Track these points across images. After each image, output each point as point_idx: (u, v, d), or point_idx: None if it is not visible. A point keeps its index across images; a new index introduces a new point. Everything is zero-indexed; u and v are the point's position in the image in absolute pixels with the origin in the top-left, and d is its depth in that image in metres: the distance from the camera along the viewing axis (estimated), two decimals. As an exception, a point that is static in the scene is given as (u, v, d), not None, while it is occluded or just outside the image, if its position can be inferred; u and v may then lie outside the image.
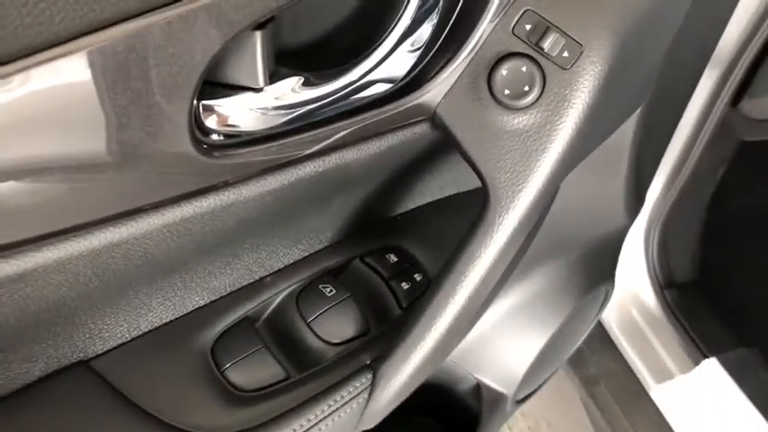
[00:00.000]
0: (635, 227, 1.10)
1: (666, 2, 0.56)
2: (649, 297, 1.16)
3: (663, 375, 1.13)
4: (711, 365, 1.09)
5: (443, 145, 0.63)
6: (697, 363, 1.09)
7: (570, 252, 0.86)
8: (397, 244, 0.68)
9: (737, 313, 1.17)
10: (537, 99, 0.51)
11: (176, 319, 0.58)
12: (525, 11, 0.51)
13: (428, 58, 0.52)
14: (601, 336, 1.19)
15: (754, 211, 1.20)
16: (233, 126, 0.46)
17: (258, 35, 0.43)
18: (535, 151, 0.52)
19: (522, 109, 0.51)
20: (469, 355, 0.85)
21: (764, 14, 0.86)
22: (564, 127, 0.51)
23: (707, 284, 1.20)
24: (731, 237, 1.20)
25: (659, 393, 1.12)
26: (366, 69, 0.49)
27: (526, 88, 0.51)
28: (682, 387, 1.10)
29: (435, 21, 0.51)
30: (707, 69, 0.90)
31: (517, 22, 0.51)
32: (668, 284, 1.16)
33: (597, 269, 0.92)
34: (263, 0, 0.40)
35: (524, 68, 0.51)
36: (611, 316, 1.17)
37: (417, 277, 0.66)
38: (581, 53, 0.50)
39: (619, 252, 0.96)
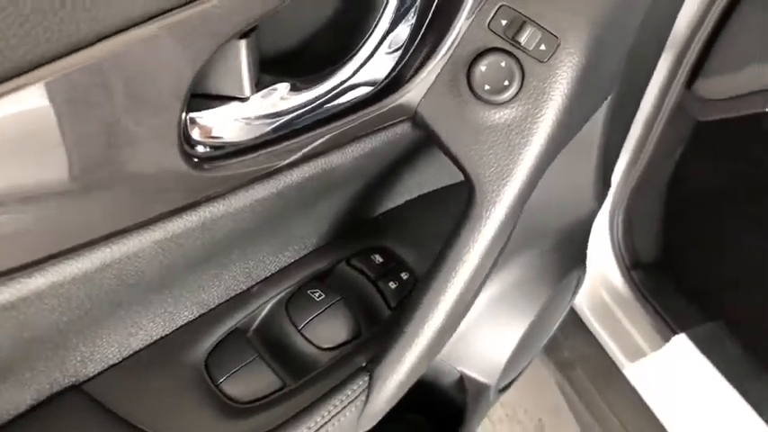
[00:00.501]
0: (600, 210, 1.13)
1: None
2: (617, 279, 1.18)
3: (635, 354, 1.16)
4: (681, 341, 1.11)
5: (422, 143, 0.63)
6: (667, 340, 1.12)
7: (544, 241, 0.87)
8: (381, 244, 0.68)
9: (702, 289, 1.20)
10: (517, 93, 0.51)
11: (167, 335, 0.57)
12: (500, 6, 0.52)
13: (407, 58, 0.52)
14: (573, 319, 1.21)
15: (713, 189, 1.24)
16: (221, 137, 0.45)
17: (243, 44, 0.43)
18: (518, 144, 0.52)
19: (502, 103, 0.52)
20: (452, 349, 0.85)
21: (714, -3, 0.88)
22: (545, 119, 0.52)
23: (672, 263, 1.23)
24: (692, 215, 1.23)
25: (633, 372, 1.15)
26: (349, 72, 0.49)
27: (506, 83, 0.51)
28: (654, 364, 1.13)
29: (413, 21, 0.51)
30: (665, 54, 0.93)
31: (493, 17, 0.52)
32: (635, 265, 1.19)
33: (569, 255, 0.94)
34: (249, 8, 0.40)
35: (503, 63, 0.51)
36: (581, 299, 1.19)
37: (404, 276, 0.66)
38: (558, 45, 0.51)
39: (588, 237, 0.98)
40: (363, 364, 0.58)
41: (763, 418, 1.03)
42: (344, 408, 0.56)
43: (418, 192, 0.74)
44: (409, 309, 0.55)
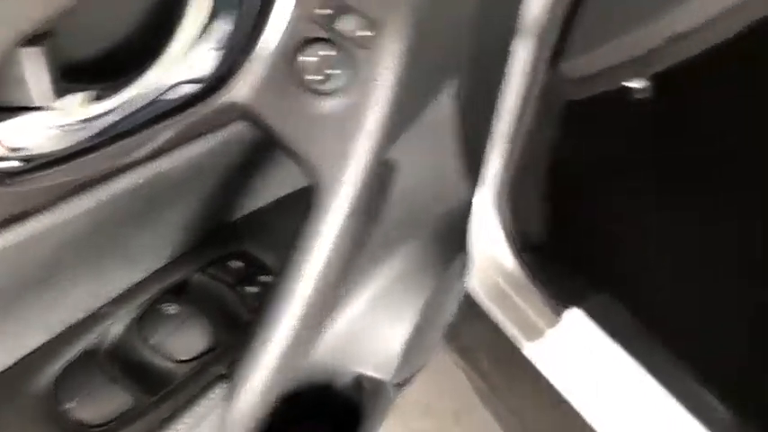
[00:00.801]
0: (486, 195, 1.14)
1: None
2: (509, 261, 1.20)
3: (533, 334, 1.18)
4: (575, 315, 1.14)
5: (271, 142, 0.62)
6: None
7: (420, 231, 0.87)
8: (240, 249, 0.67)
9: (591, 264, 1.23)
10: (346, 81, 0.51)
11: (11, 365, 0.54)
12: None
13: (233, 53, 0.51)
14: (470, 306, 1.22)
15: (590, 166, 1.27)
16: (26, 149, 0.43)
17: (36, 51, 0.41)
18: (353, 133, 0.52)
19: (332, 93, 0.51)
20: (344, 351, 0.85)
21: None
22: (376, 104, 0.52)
23: (560, 241, 1.25)
24: (574, 192, 1.26)
25: (532, 351, 1.16)
26: (161, 73, 0.47)
27: (334, 71, 0.51)
28: (551, 340, 1.15)
29: (236, 16, 0.50)
30: (522, 37, 0.94)
31: (315, 7, 0.51)
32: (525, 247, 1.20)
33: (451, 243, 0.94)
34: (28, 14, 0.38)
35: (328, 53, 0.51)
36: (476, 284, 1.20)
37: (264, 279, 0.65)
38: (380, 31, 0.51)
39: (467, 223, 0.99)
40: (223, 372, 0.57)
41: (655, 378, 1.06)
42: (203, 418, 0.54)
43: (279, 193, 0.73)
44: (262, 311, 0.54)
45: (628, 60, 0.93)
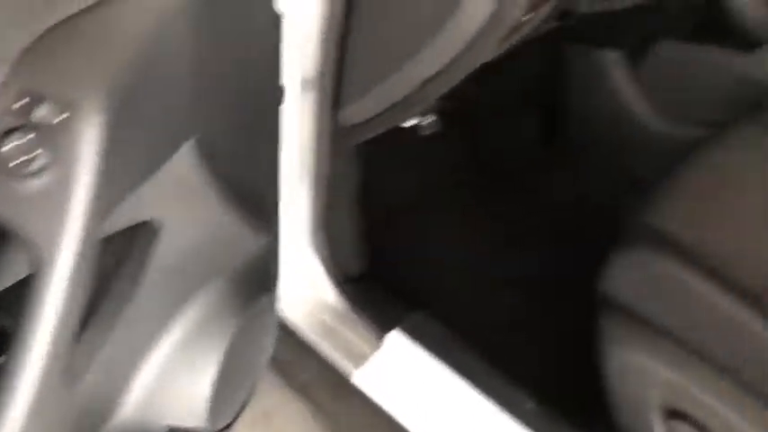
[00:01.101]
0: (299, 235, 1.19)
1: (163, 41, 0.63)
2: (330, 295, 1.25)
3: (359, 360, 1.23)
4: (395, 336, 1.20)
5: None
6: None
7: (216, 280, 0.91)
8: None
9: (407, 288, 1.31)
10: (48, 160, 0.56)
11: None
12: (17, 87, 0.57)
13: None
14: (299, 342, 1.27)
15: (397, 199, 1.37)
16: None
17: None
18: (63, 206, 0.57)
19: (37, 173, 0.56)
20: (149, 406, 0.87)
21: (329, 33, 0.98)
22: (82, 177, 0.57)
23: (378, 271, 1.32)
24: (386, 223, 1.35)
25: (360, 377, 1.22)
26: None
27: (36, 153, 0.56)
28: (376, 364, 1.20)
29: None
30: (304, 91, 1.01)
31: (13, 98, 0.56)
32: (345, 279, 1.26)
33: (253, 286, 0.99)
34: None
35: (28, 138, 0.56)
36: (300, 321, 1.25)
37: None
38: (75, 111, 0.56)
39: (275, 264, 1.04)
40: None
41: (473, 384, 1.14)
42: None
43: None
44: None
45: (396, 103, 1.01)
